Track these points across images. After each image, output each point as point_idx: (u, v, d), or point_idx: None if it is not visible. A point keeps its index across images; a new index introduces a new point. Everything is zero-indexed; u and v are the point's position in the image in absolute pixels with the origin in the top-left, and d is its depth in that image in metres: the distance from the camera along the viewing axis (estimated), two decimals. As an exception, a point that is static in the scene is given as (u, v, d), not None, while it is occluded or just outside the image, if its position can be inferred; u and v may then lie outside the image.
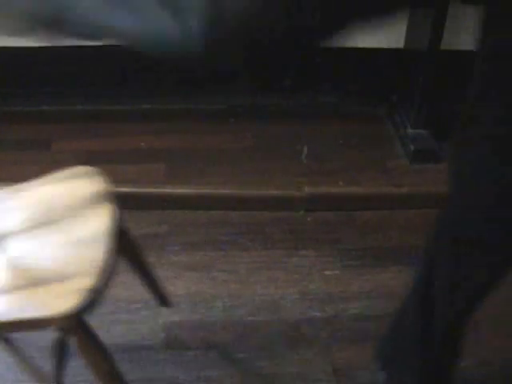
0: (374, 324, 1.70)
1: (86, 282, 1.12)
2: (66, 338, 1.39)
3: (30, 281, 1.14)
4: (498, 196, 1.03)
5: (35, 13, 0.77)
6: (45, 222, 1.26)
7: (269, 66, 0.93)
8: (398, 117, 2.29)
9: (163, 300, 1.64)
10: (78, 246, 1.20)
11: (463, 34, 2.12)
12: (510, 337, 1.69)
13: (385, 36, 2.25)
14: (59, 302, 1.09)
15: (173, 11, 0.74)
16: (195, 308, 1.75)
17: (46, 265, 1.17)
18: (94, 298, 1.11)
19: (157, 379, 1.58)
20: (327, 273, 1.87)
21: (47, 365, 1.42)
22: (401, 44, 2.25)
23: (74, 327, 1.12)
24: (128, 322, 1.70)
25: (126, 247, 1.37)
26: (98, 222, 1.24)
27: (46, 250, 1.21)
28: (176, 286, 1.79)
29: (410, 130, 2.22)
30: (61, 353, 1.41)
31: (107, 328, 1.66)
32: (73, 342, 1.17)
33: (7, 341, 1.44)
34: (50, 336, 1.39)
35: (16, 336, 1.45)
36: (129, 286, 1.73)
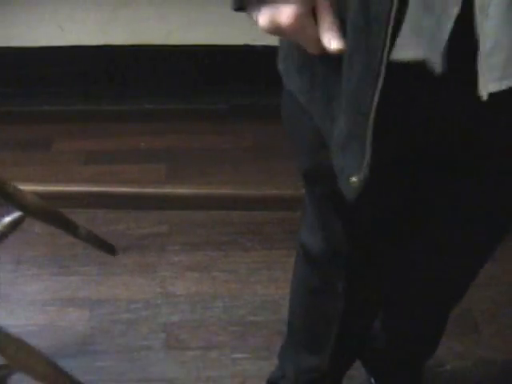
0: (374, 324, 1.70)
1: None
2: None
3: None
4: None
5: None
6: None
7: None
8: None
9: (109, 248, 1.55)
10: None
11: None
12: (510, 337, 1.69)
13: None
14: None
15: None
16: (195, 308, 1.75)
17: None
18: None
19: (157, 379, 1.58)
20: (327, 273, 1.86)
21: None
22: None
23: None
24: (128, 321, 1.70)
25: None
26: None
27: None
28: (176, 285, 1.79)
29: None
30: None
31: (107, 328, 1.67)
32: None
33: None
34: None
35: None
36: (129, 286, 1.73)
